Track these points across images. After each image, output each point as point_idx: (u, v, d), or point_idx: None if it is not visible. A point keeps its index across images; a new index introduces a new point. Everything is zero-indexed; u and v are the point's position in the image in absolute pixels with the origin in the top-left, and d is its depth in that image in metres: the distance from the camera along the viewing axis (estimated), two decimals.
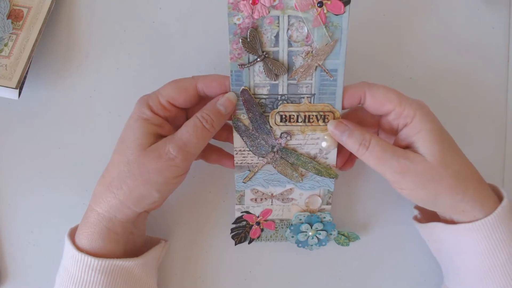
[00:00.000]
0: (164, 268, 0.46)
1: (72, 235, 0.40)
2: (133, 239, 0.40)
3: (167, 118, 0.38)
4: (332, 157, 0.40)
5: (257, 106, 0.38)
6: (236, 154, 0.40)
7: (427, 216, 0.44)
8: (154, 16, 0.48)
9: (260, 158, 0.40)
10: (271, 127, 0.39)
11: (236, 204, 0.43)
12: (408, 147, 0.38)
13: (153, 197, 0.37)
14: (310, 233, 0.43)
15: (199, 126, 0.37)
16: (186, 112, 0.40)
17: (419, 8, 0.48)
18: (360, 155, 0.37)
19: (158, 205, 0.40)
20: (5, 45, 0.44)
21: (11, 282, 0.46)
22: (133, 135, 0.37)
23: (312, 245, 0.44)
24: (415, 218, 0.44)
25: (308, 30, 0.36)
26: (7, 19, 0.44)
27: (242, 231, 0.44)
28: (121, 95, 0.47)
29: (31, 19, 0.45)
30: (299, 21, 0.36)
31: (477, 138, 0.48)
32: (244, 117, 0.39)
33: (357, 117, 0.41)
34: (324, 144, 0.39)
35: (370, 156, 0.37)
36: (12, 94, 0.43)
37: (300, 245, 0.44)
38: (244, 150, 0.40)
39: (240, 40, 0.36)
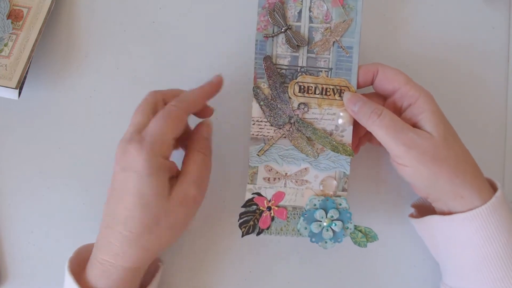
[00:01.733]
0: (164, 268, 0.46)
1: (74, 269, 0.38)
2: (142, 275, 0.40)
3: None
4: (348, 136, 0.41)
5: (278, 74, 0.41)
6: (253, 124, 0.41)
7: (423, 213, 0.44)
8: (154, 16, 0.48)
9: (276, 130, 0.41)
10: (289, 97, 0.41)
11: (248, 183, 0.41)
12: (412, 126, 0.39)
13: (176, 239, 0.39)
14: (324, 223, 0.40)
15: (205, 160, 0.39)
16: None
17: (419, 8, 0.49)
18: (370, 123, 0.38)
19: None
20: (5, 45, 0.44)
21: (11, 282, 0.46)
22: (153, 189, 0.36)
23: (326, 241, 0.41)
24: (411, 216, 0.45)
25: (327, 9, 0.41)
26: (7, 19, 0.44)
27: (251, 218, 0.41)
28: (121, 95, 0.47)
29: (31, 19, 0.45)
30: (320, 0, 0.41)
31: (477, 138, 0.48)
32: (264, 86, 0.41)
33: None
34: (340, 121, 0.41)
35: (380, 124, 0.38)
36: (12, 94, 0.43)
37: (313, 239, 0.41)
38: (261, 121, 0.41)
39: (268, 13, 0.40)
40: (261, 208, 0.41)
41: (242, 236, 0.41)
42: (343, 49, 0.41)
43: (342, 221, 0.41)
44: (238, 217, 0.41)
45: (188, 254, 0.47)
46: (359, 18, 0.41)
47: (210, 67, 0.47)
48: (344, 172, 0.41)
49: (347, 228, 0.41)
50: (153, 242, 0.37)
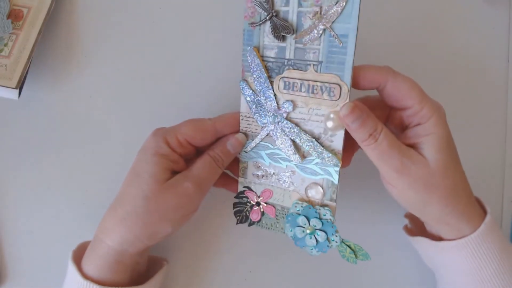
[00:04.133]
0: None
1: (76, 259, 0.39)
2: (138, 268, 0.40)
3: (181, 155, 0.39)
4: (338, 141, 0.36)
5: (263, 68, 0.37)
6: (242, 120, 0.39)
7: (417, 226, 0.43)
8: (154, 16, 0.48)
9: (262, 128, 0.39)
10: (275, 94, 0.37)
11: (239, 177, 0.41)
12: (412, 146, 0.36)
13: (167, 232, 0.38)
14: (307, 231, 0.38)
15: (213, 164, 0.38)
16: (197, 148, 0.40)
17: (419, 8, 0.49)
18: (365, 145, 0.35)
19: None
20: (5, 45, 0.44)
21: (11, 282, 0.46)
22: (150, 170, 0.37)
23: (311, 248, 0.39)
24: (405, 228, 0.44)
25: None
26: (7, 19, 0.44)
27: (244, 209, 0.41)
28: (121, 95, 0.47)
29: (31, 19, 0.45)
30: None
31: (477, 138, 0.48)
32: (251, 80, 0.38)
33: (367, 105, 0.36)
34: (330, 124, 0.36)
35: (375, 149, 0.34)
36: (12, 94, 0.43)
37: (298, 243, 0.39)
38: (249, 117, 0.39)
39: None
40: (251, 201, 0.41)
41: (237, 223, 0.42)
42: (336, 38, 0.34)
43: (325, 232, 0.38)
44: (232, 206, 0.42)
45: (188, 254, 0.47)
46: None
47: (210, 66, 0.47)
48: (332, 181, 0.38)
49: (332, 240, 0.38)
50: (140, 228, 0.37)
